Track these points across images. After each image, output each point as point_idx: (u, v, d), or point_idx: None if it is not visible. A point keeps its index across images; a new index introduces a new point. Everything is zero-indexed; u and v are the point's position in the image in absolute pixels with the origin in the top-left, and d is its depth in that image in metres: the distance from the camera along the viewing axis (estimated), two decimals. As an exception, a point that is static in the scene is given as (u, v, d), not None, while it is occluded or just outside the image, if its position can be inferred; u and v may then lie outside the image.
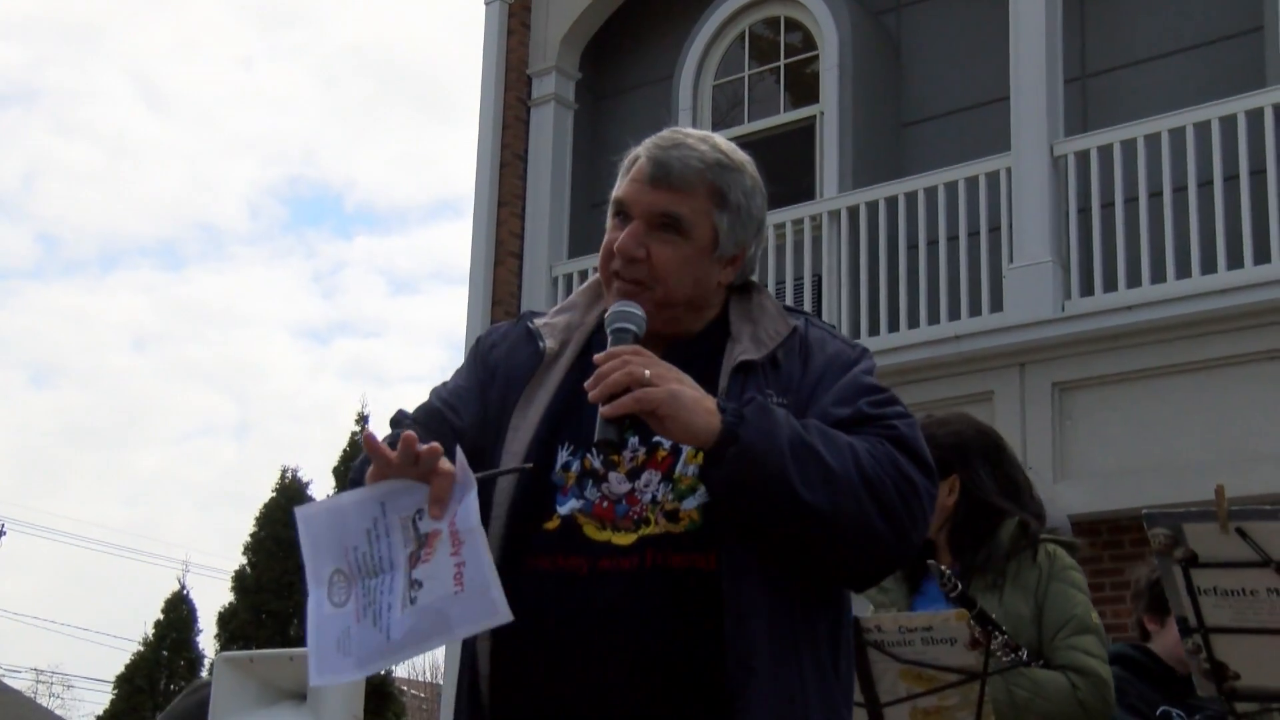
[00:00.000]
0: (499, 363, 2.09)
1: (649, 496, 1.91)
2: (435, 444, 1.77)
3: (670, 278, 1.99)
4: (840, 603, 1.99)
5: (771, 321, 2.05)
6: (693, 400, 1.81)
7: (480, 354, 2.14)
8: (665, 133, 2.07)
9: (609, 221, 2.07)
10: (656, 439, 1.93)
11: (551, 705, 1.86)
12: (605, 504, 1.92)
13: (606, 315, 1.99)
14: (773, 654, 1.82)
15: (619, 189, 2.05)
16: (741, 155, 2.10)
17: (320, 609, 1.80)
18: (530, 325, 2.11)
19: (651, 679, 1.82)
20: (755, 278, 2.15)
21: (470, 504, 1.76)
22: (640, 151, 2.06)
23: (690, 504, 1.89)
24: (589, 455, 1.95)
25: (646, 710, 1.82)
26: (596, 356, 1.86)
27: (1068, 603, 3.08)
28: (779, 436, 1.80)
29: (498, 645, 1.90)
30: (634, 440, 1.95)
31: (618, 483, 1.93)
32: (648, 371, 1.80)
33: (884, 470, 1.85)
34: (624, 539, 1.88)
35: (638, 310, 1.96)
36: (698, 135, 2.07)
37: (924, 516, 1.90)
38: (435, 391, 2.13)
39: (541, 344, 2.06)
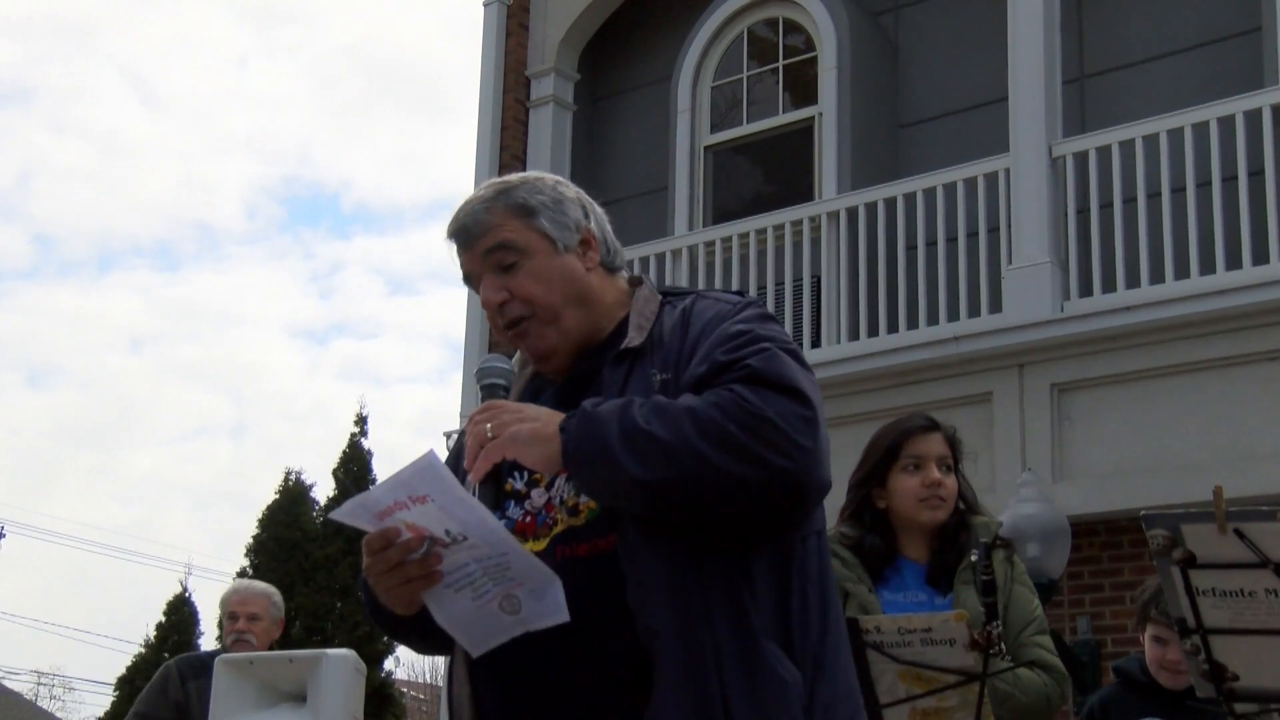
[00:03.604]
0: None
1: (558, 499, 2.03)
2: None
3: (539, 295, 2.09)
4: (785, 566, 1.96)
5: (646, 304, 2.14)
6: (530, 435, 1.93)
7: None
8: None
9: None
10: None
11: (522, 702, 1.98)
12: (528, 519, 2.04)
13: (476, 374, 2.12)
14: (679, 618, 1.88)
15: None
16: (525, 174, 2.20)
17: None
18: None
19: (582, 663, 1.92)
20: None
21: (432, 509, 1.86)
22: (445, 236, 2.17)
23: (587, 496, 1.99)
24: (510, 479, 2.07)
25: (588, 690, 1.93)
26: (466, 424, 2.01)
27: (1030, 605, 3.35)
28: (604, 435, 1.88)
29: (473, 667, 2.04)
30: None
31: (538, 497, 2.05)
32: (488, 426, 1.94)
33: (727, 417, 1.86)
34: (539, 545, 1.99)
35: (500, 363, 2.10)
36: (480, 188, 2.19)
37: (788, 439, 1.86)
38: None
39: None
